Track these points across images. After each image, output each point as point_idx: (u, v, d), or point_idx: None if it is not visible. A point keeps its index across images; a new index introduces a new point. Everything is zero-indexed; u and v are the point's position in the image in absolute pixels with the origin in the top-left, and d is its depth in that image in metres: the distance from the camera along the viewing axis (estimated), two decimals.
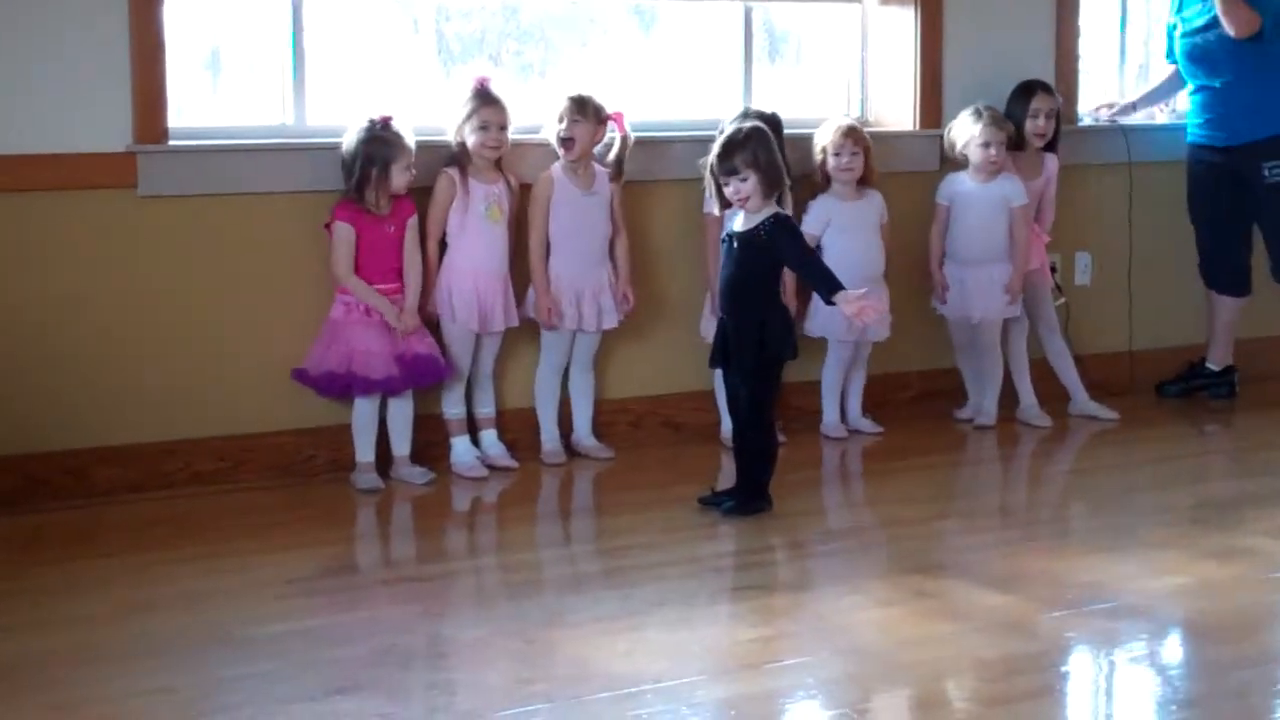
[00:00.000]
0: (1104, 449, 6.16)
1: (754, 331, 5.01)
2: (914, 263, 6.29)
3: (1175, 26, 6.72)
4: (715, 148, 5.05)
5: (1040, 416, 6.34)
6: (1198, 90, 6.69)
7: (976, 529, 5.10)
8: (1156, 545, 4.84)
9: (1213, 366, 6.86)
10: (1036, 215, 6.38)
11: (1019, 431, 6.30)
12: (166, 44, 5.28)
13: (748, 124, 5.14)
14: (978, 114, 6.14)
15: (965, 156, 6.18)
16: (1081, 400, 6.47)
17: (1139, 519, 5.14)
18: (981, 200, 6.14)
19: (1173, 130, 7.04)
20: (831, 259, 5.63)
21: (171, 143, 5.31)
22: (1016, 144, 6.28)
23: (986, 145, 6.09)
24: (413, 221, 5.47)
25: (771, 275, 5.06)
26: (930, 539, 5.03)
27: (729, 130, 5.11)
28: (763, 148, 4.98)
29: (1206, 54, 6.55)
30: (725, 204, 5.09)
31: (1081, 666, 4.06)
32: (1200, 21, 6.54)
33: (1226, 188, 6.64)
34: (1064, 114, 6.49)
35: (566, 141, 5.62)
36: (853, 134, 5.99)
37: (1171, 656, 4.08)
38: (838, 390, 6.19)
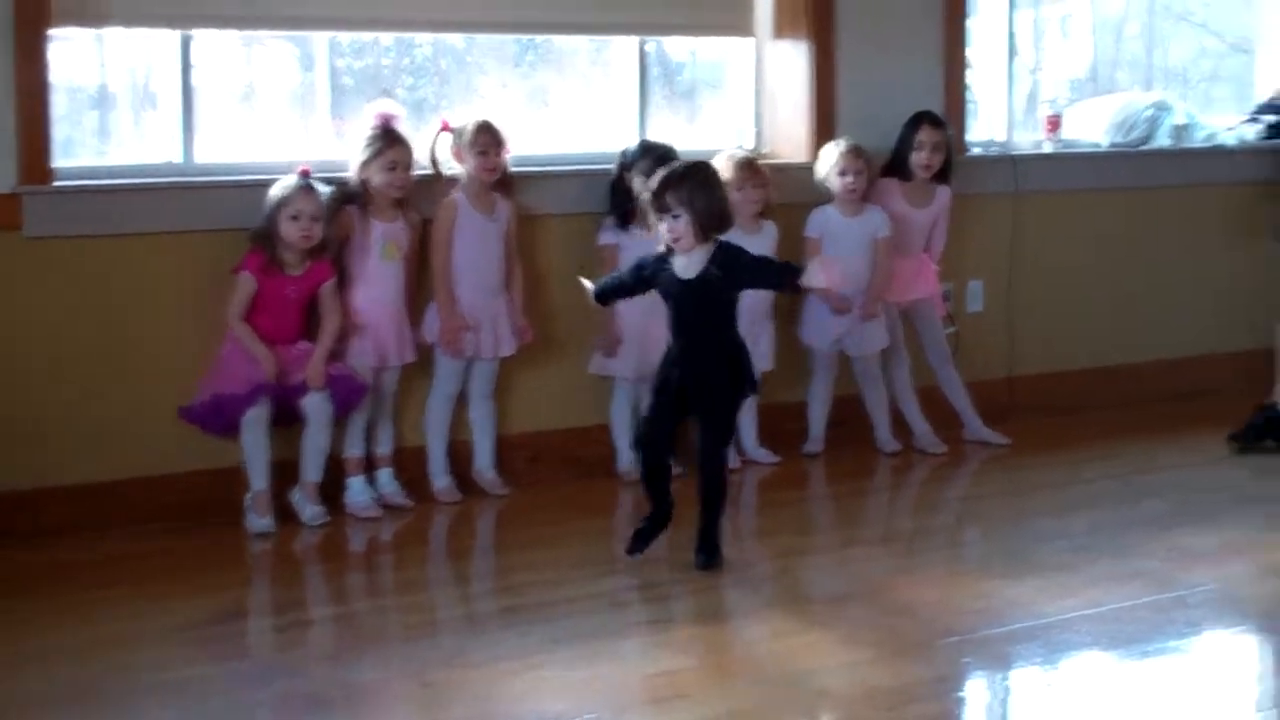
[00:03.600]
0: (997, 474, 6.21)
1: (722, 373, 4.86)
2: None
3: None
4: (651, 183, 4.88)
5: (935, 443, 6.39)
6: None
7: (874, 556, 5.13)
8: (1051, 569, 4.87)
9: None
10: (928, 245, 6.45)
11: (914, 459, 6.34)
12: (51, 84, 5.21)
13: (687, 161, 4.96)
14: (836, 145, 6.20)
15: (829, 188, 6.23)
16: (975, 426, 6.53)
17: (1033, 543, 5.18)
18: (849, 233, 6.19)
19: (1060, 160, 7.15)
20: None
21: (57, 183, 5.24)
22: (905, 174, 6.34)
23: (843, 174, 6.15)
24: (328, 286, 5.42)
25: (731, 312, 4.89)
26: (829, 568, 5.05)
27: (667, 167, 4.92)
28: (700, 187, 4.77)
29: None
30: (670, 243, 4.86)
31: (978, 692, 4.08)
32: None
33: None
34: (954, 144, 6.56)
35: (487, 166, 5.63)
36: (749, 167, 6.02)
37: (1067, 680, 4.11)
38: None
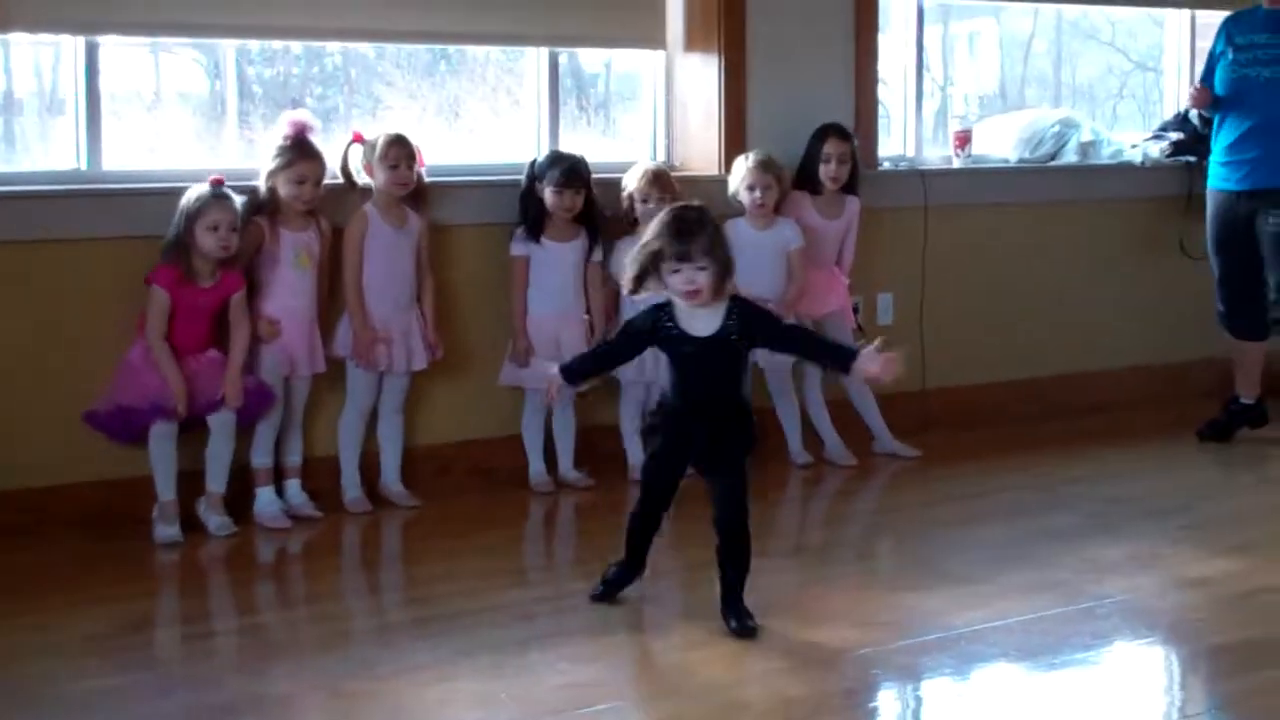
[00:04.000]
0: (908, 487, 6.24)
1: (746, 429, 4.52)
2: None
3: (1223, 53, 6.74)
4: (661, 228, 4.35)
5: (846, 456, 6.41)
6: (1231, 127, 6.71)
7: (786, 568, 5.13)
8: (961, 581, 4.90)
9: (1246, 400, 6.91)
10: (838, 257, 6.48)
11: (826, 471, 6.36)
12: None
13: (691, 205, 4.48)
14: (747, 159, 6.22)
15: (740, 202, 6.24)
16: (885, 439, 6.56)
17: (944, 555, 5.21)
18: (760, 246, 6.18)
19: (968, 174, 7.22)
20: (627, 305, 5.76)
21: None
22: (814, 187, 6.37)
23: (752, 189, 6.16)
24: (237, 297, 5.37)
25: (746, 369, 4.54)
26: None
27: (675, 209, 4.44)
28: (718, 234, 4.37)
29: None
30: (637, 288, 4.43)
31: (889, 703, 4.09)
32: (1267, 55, 6.58)
33: (1240, 233, 6.67)
34: (864, 157, 6.59)
35: (398, 180, 5.59)
36: (660, 179, 6.03)
37: (977, 691, 4.13)
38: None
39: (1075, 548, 5.24)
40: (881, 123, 7.04)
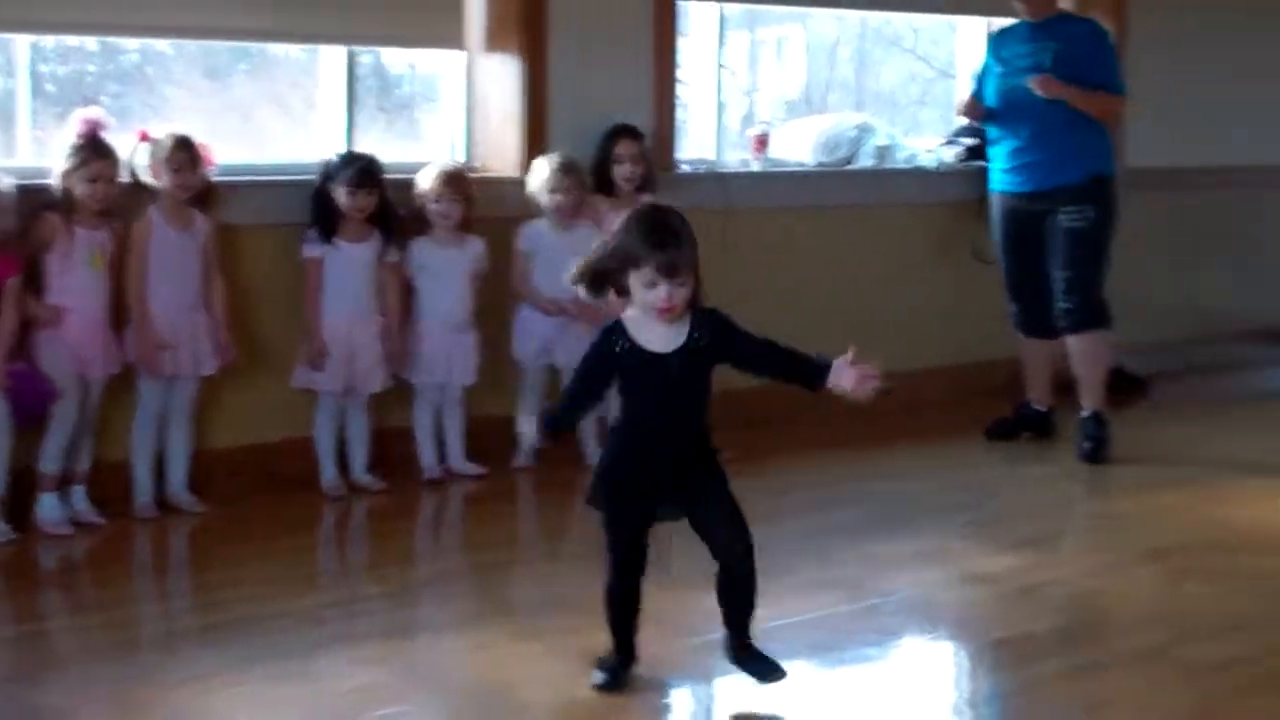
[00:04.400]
0: None
1: (707, 450, 4.02)
2: (514, 307, 6.33)
3: (992, 67, 6.89)
4: (639, 231, 3.81)
5: None
6: (1010, 135, 6.86)
7: (580, 569, 5.10)
8: None
9: (1038, 407, 7.04)
10: None
11: None
12: None
13: (669, 209, 3.93)
14: (546, 162, 6.22)
15: (540, 204, 6.24)
16: None
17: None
18: (561, 248, 6.12)
19: (767, 177, 7.29)
20: (420, 304, 5.78)
21: None
22: (610, 189, 6.40)
23: (552, 192, 6.17)
24: (12, 282, 5.23)
25: (709, 389, 4.01)
26: (534, 581, 5.08)
27: (655, 211, 3.92)
28: (694, 244, 3.88)
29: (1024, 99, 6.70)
30: (598, 293, 3.92)
31: (681, 701, 4.12)
32: (1024, 64, 6.70)
33: (1030, 234, 6.80)
34: (663, 159, 6.62)
35: (181, 183, 5.50)
36: (454, 180, 6.00)
37: (767, 689, 4.13)
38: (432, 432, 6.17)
39: (863, 544, 5.31)
40: (685, 126, 7.08)
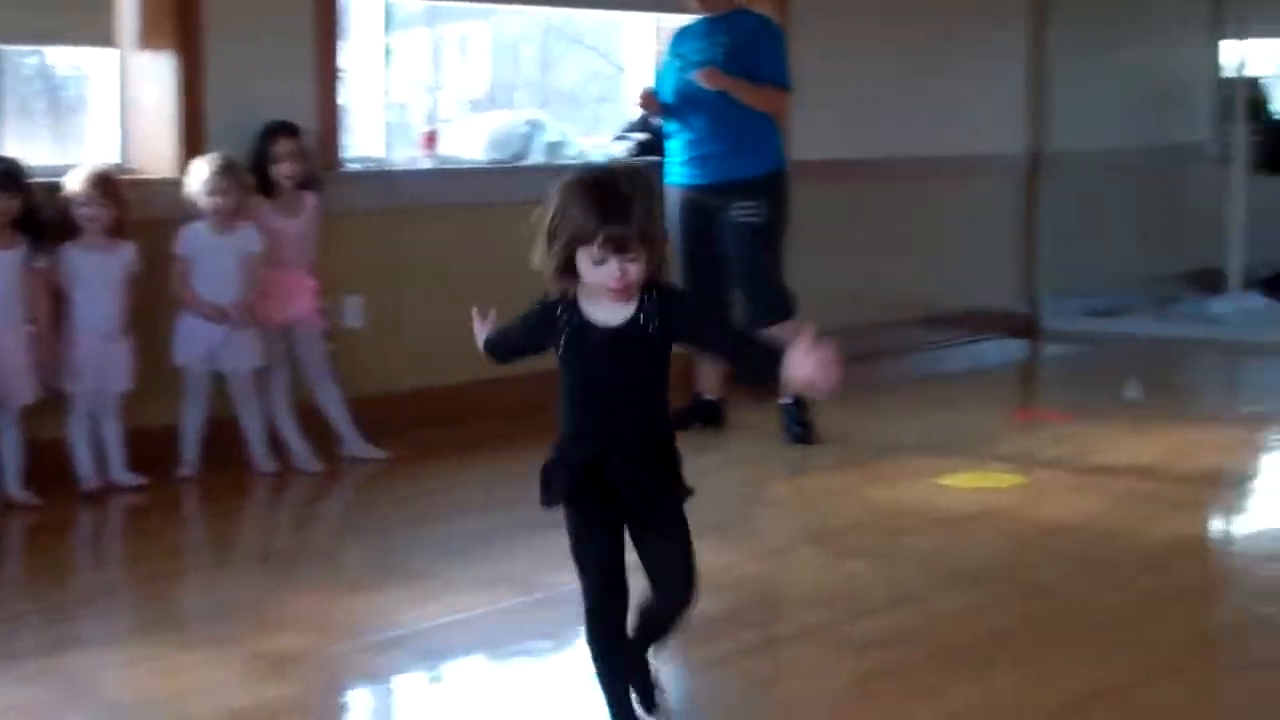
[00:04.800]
0: (374, 489, 6.17)
1: (669, 463, 3.46)
2: (174, 311, 6.14)
3: (671, 62, 6.90)
4: (580, 198, 3.25)
5: (312, 461, 6.28)
6: (685, 128, 6.86)
7: (247, 577, 5.03)
8: (420, 578, 4.88)
9: (709, 397, 7.07)
10: (307, 258, 6.39)
11: (292, 478, 6.22)
12: None
13: (627, 165, 3.55)
14: (205, 163, 6.06)
15: (199, 206, 6.09)
16: (352, 441, 6.46)
17: (403, 554, 5.19)
18: (220, 251, 6.04)
19: (438, 175, 7.23)
20: (72, 310, 5.61)
21: None
22: (270, 188, 6.26)
23: (211, 193, 6.01)
24: None
25: (666, 374, 3.44)
26: (198, 591, 4.95)
27: (598, 170, 3.38)
28: (657, 213, 3.35)
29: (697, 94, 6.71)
30: (567, 277, 3.34)
31: (352, 705, 4.06)
32: (697, 59, 6.72)
33: (706, 228, 6.81)
34: (325, 157, 6.51)
35: None
36: (102, 183, 5.79)
37: (438, 687, 4.12)
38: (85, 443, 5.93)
39: (528, 539, 5.26)
40: (354, 124, 6.98)
